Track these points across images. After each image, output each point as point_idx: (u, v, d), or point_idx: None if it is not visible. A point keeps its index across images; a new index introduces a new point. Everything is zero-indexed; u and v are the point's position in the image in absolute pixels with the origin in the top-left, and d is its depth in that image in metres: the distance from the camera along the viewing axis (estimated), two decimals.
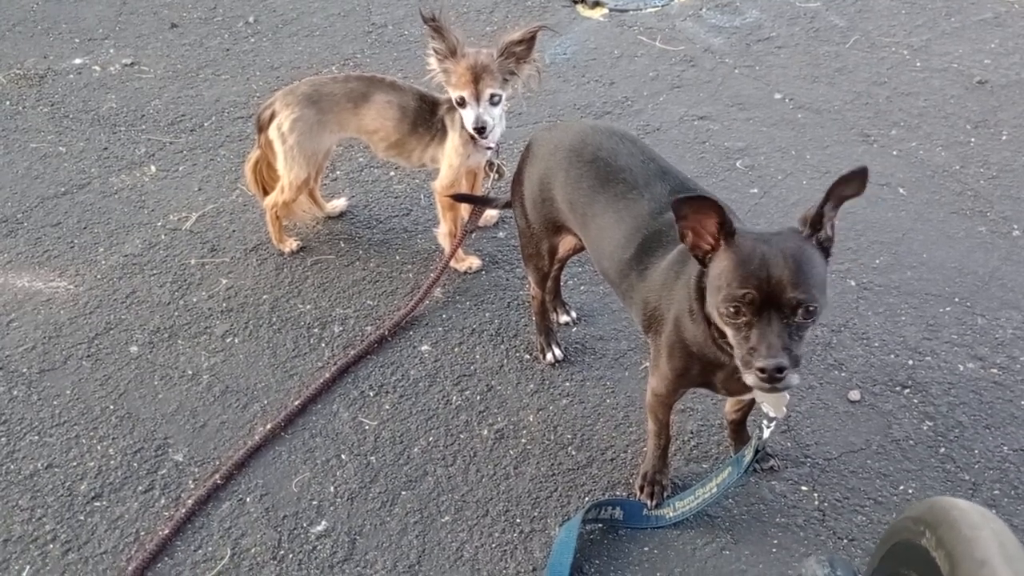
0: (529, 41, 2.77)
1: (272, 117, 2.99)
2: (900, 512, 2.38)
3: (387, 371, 2.82)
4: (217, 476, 2.49)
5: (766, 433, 2.17)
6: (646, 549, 2.33)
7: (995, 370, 2.78)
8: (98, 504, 2.45)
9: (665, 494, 2.41)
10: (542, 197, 2.45)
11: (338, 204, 3.43)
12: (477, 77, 2.73)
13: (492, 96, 2.76)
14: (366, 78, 3.02)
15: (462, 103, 2.78)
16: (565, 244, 2.63)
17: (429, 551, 2.33)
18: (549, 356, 2.83)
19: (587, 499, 2.45)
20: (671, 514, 2.36)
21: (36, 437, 2.62)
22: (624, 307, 2.38)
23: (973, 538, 1.23)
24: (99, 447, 2.60)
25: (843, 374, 2.78)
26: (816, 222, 1.79)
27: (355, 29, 4.61)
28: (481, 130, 2.78)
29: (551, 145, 2.42)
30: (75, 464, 2.55)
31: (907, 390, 2.72)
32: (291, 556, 2.32)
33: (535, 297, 2.78)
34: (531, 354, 2.86)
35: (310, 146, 3.00)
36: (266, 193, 3.19)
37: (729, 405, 2.49)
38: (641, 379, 2.76)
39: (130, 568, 2.27)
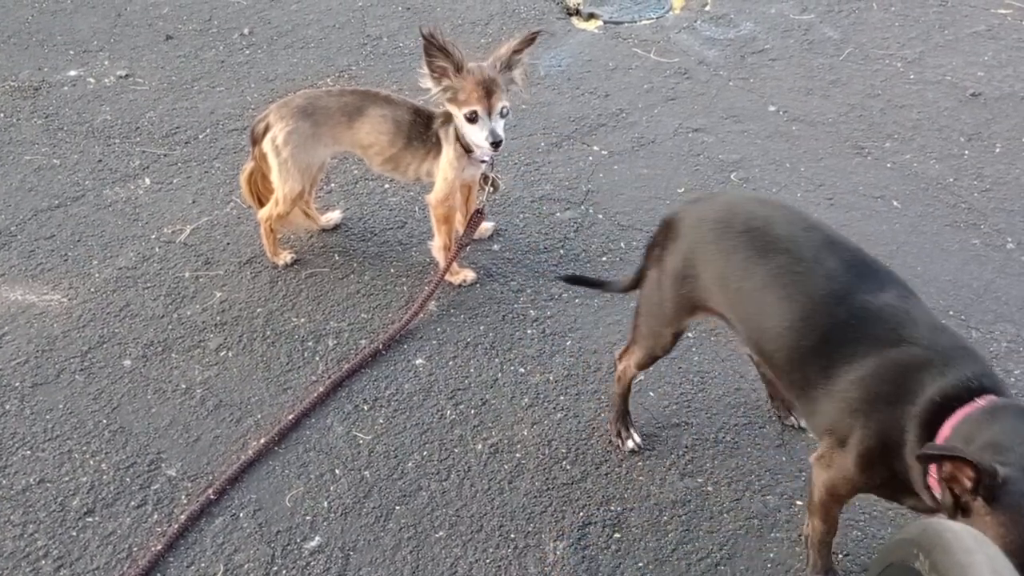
0: (528, 43, 2.78)
1: (266, 130, 2.98)
2: (895, 530, 2.38)
3: (381, 385, 2.81)
4: (210, 491, 2.48)
5: None
6: (640, 565, 2.32)
7: None
8: (90, 520, 2.44)
9: None
10: (684, 274, 2.24)
11: (332, 217, 3.42)
12: (489, 91, 2.72)
13: (502, 109, 2.76)
14: (361, 92, 3.02)
15: (473, 119, 2.76)
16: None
17: (423, 567, 2.33)
18: (630, 443, 2.61)
19: (582, 514, 2.44)
20: None
21: (28, 452, 2.61)
22: (784, 388, 2.25)
23: (967, 563, 1.22)
24: (92, 462, 2.58)
25: None
26: None
27: (350, 41, 4.61)
28: (497, 144, 2.76)
29: (695, 218, 2.26)
30: (67, 479, 2.54)
31: None
32: (284, 572, 2.31)
33: (622, 378, 2.56)
34: (526, 368, 2.85)
35: (304, 159, 3.00)
36: (261, 204, 3.18)
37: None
38: (636, 392, 2.75)
39: None
